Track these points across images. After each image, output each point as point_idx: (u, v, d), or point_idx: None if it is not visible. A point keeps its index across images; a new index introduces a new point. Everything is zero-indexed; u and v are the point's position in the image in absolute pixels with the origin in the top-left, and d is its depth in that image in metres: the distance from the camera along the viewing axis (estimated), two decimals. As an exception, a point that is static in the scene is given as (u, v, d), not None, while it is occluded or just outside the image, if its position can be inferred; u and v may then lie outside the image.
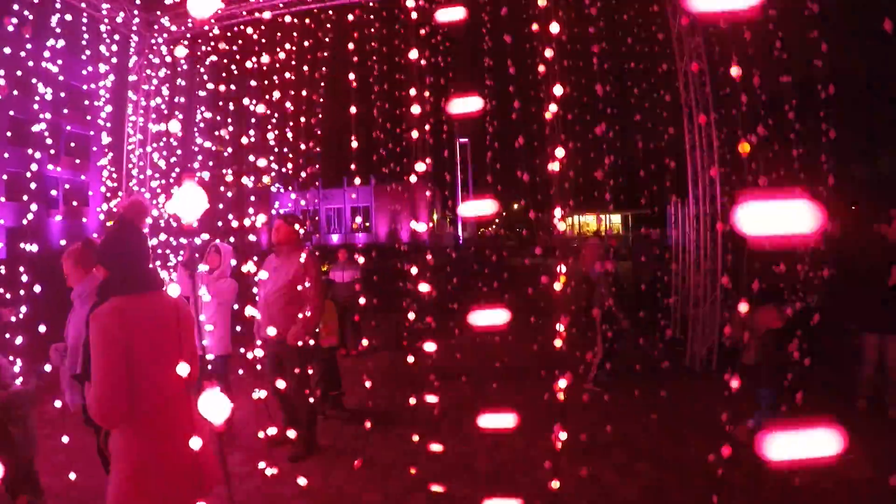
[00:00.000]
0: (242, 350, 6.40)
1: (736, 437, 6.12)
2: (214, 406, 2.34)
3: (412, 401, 4.79)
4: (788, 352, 6.05)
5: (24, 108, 28.78)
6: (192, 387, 2.75)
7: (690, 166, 9.03)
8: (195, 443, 2.48)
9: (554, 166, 2.75)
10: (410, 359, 5.08)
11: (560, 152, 2.66)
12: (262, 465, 5.39)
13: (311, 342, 5.88)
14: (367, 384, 7.09)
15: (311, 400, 5.98)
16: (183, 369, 2.42)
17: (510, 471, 5.47)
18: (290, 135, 9.10)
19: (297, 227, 5.97)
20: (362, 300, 9.60)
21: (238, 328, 6.74)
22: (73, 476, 5.02)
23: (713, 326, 8.83)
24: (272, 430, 6.06)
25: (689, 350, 9.11)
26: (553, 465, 2.99)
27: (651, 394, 7.42)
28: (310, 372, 6.10)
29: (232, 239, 6.53)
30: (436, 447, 5.31)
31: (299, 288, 5.67)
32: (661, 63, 9.66)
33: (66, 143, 32.28)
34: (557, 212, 2.52)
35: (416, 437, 6.26)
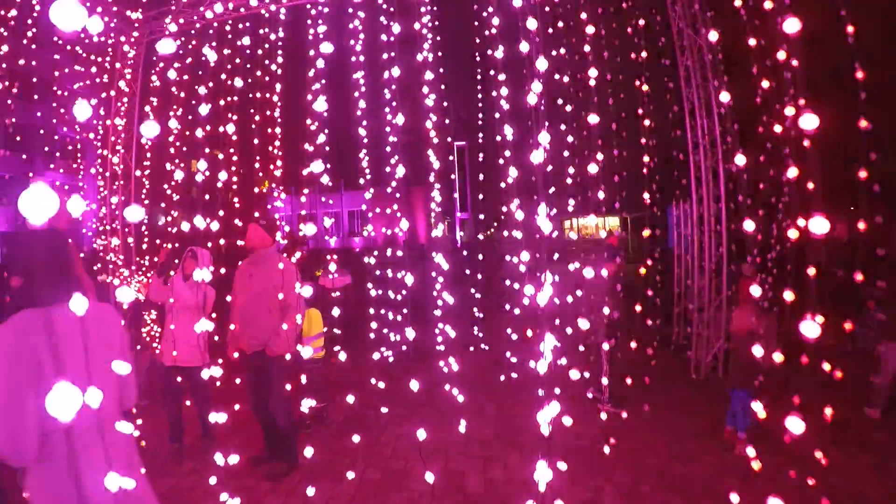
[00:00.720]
0: (221, 361, 5.99)
1: (727, 441, 5.90)
2: (62, 399, 1.85)
3: (422, 435, 4.39)
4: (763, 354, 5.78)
5: (18, 113, 28.57)
6: (123, 412, 2.38)
7: (693, 165, 8.65)
8: (124, 477, 2.09)
9: (538, 156, 2.36)
10: (415, 385, 4.68)
11: (545, 138, 2.26)
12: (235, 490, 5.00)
13: (293, 353, 5.49)
14: (350, 398, 6.68)
15: (293, 414, 5.61)
16: (95, 396, 2.01)
17: (503, 492, 5.09)
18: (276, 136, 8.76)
19: (274, 231, 5.57)
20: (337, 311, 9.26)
21: (216, 337, 6.37)
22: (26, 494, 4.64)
23: (718, 332, 8.46)
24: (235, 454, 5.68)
25: (693, 358, 8.73)
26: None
27: (655, 407, 7.02)
28: (289, 385, 5.73)
29: (210, 244, 6.13)
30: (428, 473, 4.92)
31: (281, 297, 5.26)
32: (662, 58, 9.30)
33: (61, 148, 31.96)
34: (542, 209, 2.13)
35: (405, 455, 5.91)
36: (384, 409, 6.89)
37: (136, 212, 2.32)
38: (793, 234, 2.87)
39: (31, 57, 8.15)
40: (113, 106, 9.60)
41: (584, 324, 6.27)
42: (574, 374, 4.40)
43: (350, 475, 5.34)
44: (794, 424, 2.19)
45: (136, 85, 9.64)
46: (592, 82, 5.18)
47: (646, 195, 8.82)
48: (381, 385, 7.25)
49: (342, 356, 6.69)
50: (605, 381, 7.08)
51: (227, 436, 6.19)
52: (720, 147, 8.41)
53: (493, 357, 9.61)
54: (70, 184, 32.64)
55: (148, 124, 2.17)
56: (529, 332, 7.50)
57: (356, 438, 5.82)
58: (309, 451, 5.82)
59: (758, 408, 3.36)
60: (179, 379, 5.61)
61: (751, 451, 4.43)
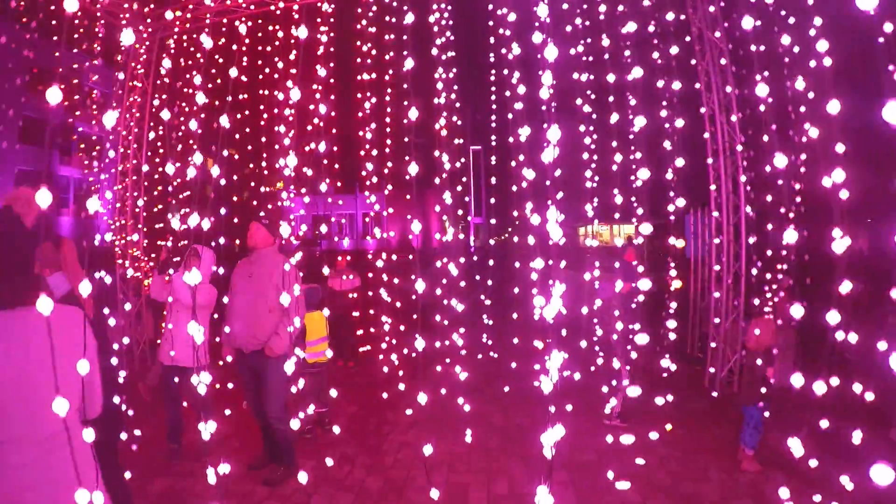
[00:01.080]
0: (221, 363, 5.82)
1: (741, 465, 5.64)
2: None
3: (428, 450, 4.16)
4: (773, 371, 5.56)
5: (37, 108, 28.93)
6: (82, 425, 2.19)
7: (712, 172, 8.41)
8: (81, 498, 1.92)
9: (549, 154, 2.16)
10: (423, 398, 4.45)
11: (555, 134, 2.06)
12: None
13: (294, 355, 5.33)
14: (333, 392, 6.49)
15: (293, 419, 5.44)
16: (62, 405, 1.83)
17: (508, 507, 4.89)
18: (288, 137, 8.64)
19: (276, 229, 5.42)
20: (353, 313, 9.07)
21: (217, 339, 6.22)
22: None
23: (734, 345, 8.20)
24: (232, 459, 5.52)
25: (707, 371, 8.47)
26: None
27: (667, 421, 6.78)
28: (295, 388, 5.57)
29: (213, 243, 5.99)
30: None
31: (287, 300, 5.09)
32: (680, 62, 9.06)
33: (78, 143, 32.25)
34: (552, 213, 1.92)
35: (407, 465, 5.72)
36: (409, 411, 6.68)
37: (94, 202, 2.17)
38: (839, 247, 2.64)
39: (48, 51, 8.13)
40: (123, 102, 9.53)
41: (643, 338, 5.99)
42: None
43: (350, 482, 5.18)
44: (882, 474, 1.94)
45: (147, 81, 9.57)
46: (611, 77, 4.98)
47: (678, 201, 8.56)
48: (402, 387, 7.06)
49: (328, 353, 6.49)
50: (613, 400, 6.81)
51: (226, 439, 6.05)
52: (739, 154, 8.18)
53: (503, 365, 9.34)
54: (89, 179, 32.97)
55: (108, 115, 2.01)
56: (540, 344, 7.24)
57: (335, 430, 5.63)
58: (308, 457, 5.69)
59: (795, 445, 3.12)
60: (177, 379, 5.46)
61: (786, 493, 4.16)
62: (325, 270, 7.75)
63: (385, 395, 7.59)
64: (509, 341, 9.94)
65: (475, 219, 51.50)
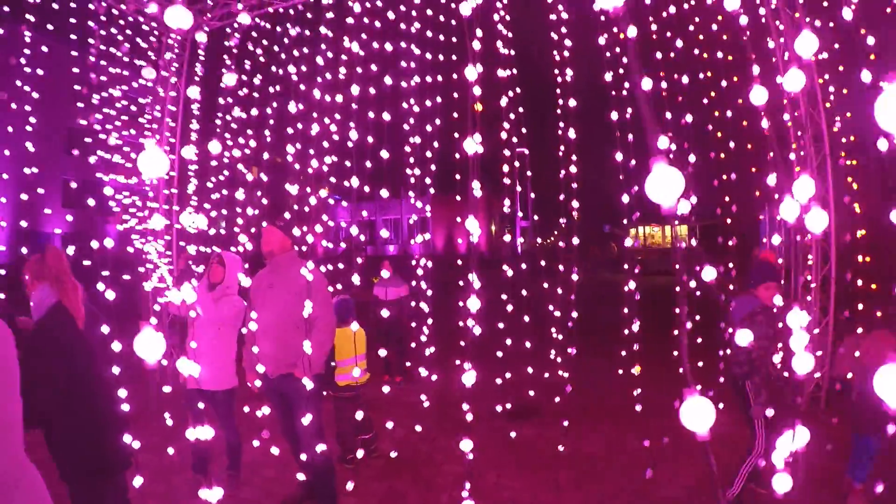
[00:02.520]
0: (251, 384, 5.21)
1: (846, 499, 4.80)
2: None
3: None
4: None
5: (82, 118, 29.33)
6: None
7: (798, 162, 7.52)
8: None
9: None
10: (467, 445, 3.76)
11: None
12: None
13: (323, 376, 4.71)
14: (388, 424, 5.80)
15: (331, 447, 4.81)
16: None
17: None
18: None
19: (293, 232, 4.78)
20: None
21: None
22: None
23: (821, 358, 7.26)
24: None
25: (789, 387, 7.54)
26: None
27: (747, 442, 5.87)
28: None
29: (241, 249, 5.40)
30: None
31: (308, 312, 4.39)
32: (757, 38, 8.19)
33: (124, 152, 32.68)
34: (633, 232, 1.33)
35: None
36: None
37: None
38: None
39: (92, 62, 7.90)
40: (165, 107, 9.21)
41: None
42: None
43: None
44: None
45: (180, 82, 9.21)
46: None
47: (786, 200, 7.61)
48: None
49: (356, 372, 5.81)
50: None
51: (259, 468, 5.47)
52: (826, 141, 7.26)
53: (574, 388, 8.16)
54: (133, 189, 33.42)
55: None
56: (638, 369, 6.32)
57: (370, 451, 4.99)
58: (350, 493, 5.02)
59: None
60: (202, 405, 4.88)
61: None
62: (356, 278, 6.84)
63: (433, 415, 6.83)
64: (582, 359, 8.58)
65: (521, 221, 50.61)
